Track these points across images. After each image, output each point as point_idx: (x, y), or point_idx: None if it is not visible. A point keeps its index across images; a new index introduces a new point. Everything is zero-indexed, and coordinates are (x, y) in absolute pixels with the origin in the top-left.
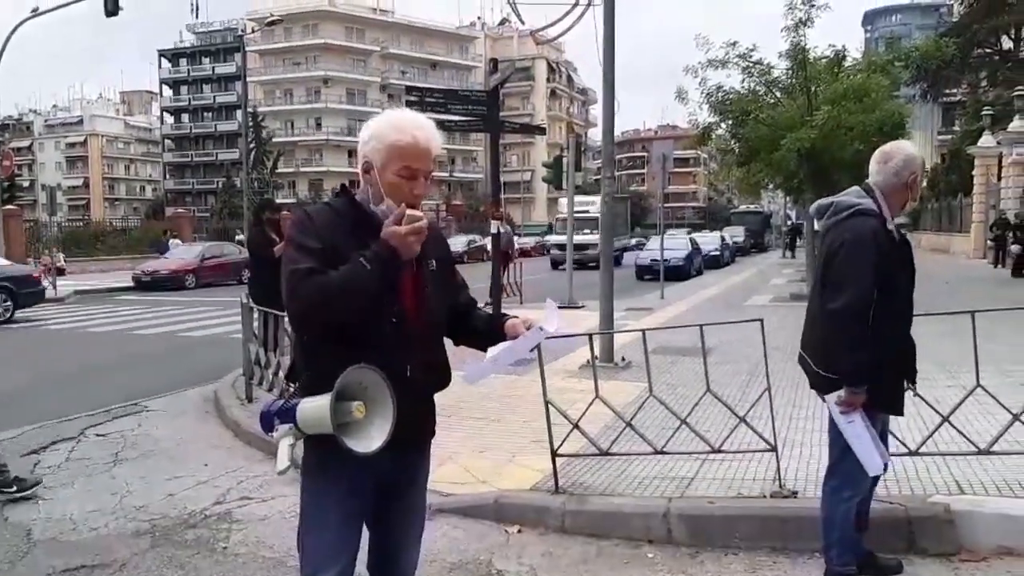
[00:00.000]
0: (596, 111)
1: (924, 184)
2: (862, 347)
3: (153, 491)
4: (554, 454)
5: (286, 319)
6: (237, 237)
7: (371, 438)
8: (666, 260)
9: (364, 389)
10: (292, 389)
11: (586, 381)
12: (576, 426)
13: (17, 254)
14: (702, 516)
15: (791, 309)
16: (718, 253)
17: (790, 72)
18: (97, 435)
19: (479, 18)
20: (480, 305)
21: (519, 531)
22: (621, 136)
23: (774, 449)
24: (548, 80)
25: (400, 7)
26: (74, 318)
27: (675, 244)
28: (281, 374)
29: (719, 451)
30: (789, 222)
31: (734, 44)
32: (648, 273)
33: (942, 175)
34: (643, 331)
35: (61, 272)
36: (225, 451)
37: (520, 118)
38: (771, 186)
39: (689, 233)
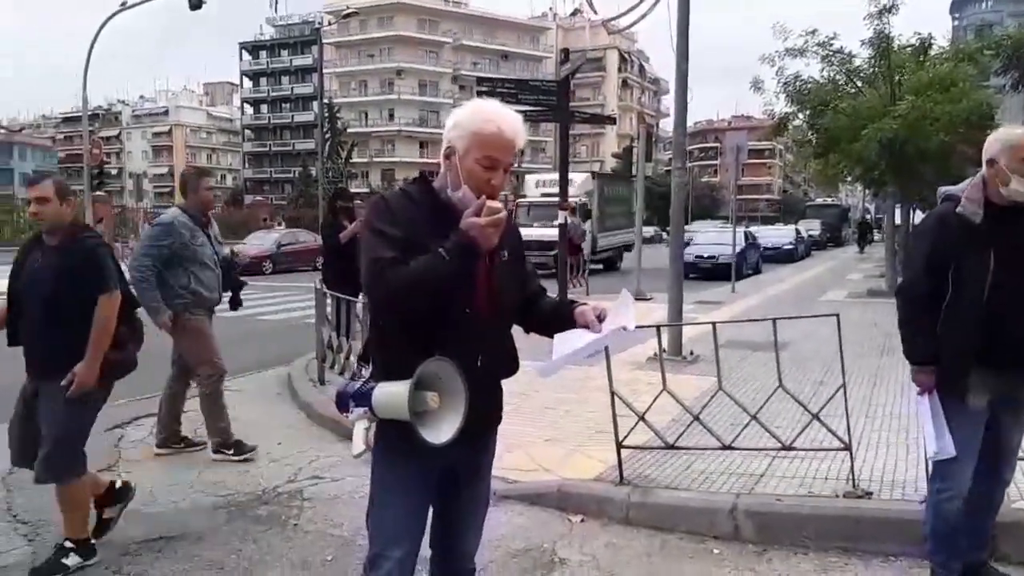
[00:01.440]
0: (668, 101)
1: None
2: (916, 328)
3: (229, 468)
4: (619, 445)
5: (358, 305)
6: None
7: (441, 430)
8: (712, 257)
9: (440, 380)
10: (363, 370)
11: (653, 373)
12: (642, 418)
13: (107, 238)
14: (770, 513)
15: (867, 305)
16: (792, 247)
17: (872, 61)
18: None
19: (551, 9)
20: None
21: (582, 521)
22: (693, 127)
23: (848, 448)
24: (620, 70)
25: None
26: None
27: (724, 239)
28: (352, 358)
29: (790, 448)
30: (867, 216)
31: (813, 32)
32: (694, 272)
33: None
34: (713, 324)
35: None
36: (297, 431)
37: (591, 108)
38: (849, 178)
39: (726, 224)
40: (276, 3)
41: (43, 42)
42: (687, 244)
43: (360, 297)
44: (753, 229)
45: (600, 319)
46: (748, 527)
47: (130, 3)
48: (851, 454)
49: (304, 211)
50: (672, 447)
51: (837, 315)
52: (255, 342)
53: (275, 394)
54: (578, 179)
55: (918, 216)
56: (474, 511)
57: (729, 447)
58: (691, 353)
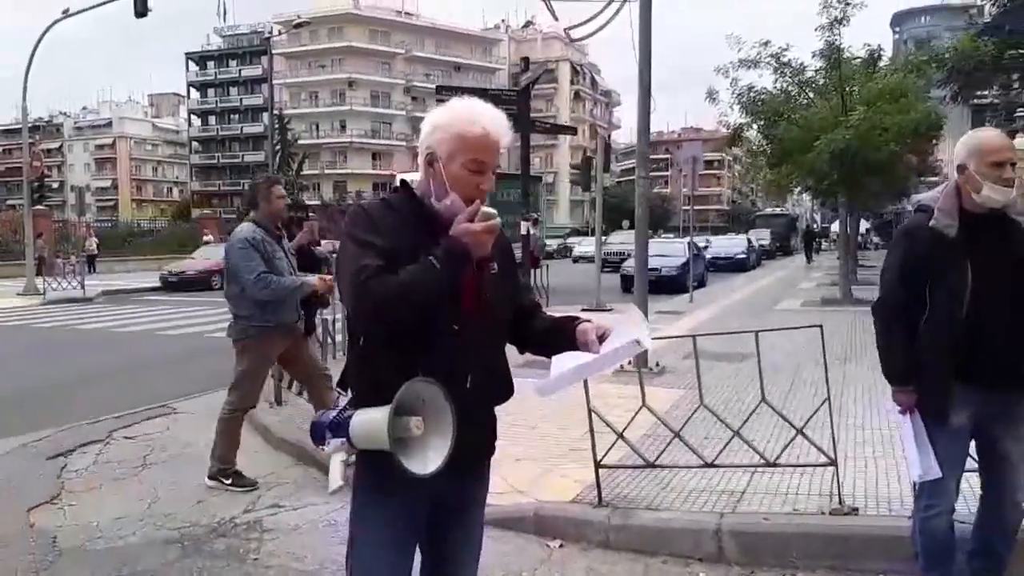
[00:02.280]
0: (619, 113)
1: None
2: (893, 346)
3: (182, 497)
4: (598, 465)
5: (315, 321)
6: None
7: (427, 458)
8: (655, 269)
9: (423, 404)
10: (340, 398)
11: (623, 387)
12: (621, 436)
13: (47, 254)
14: (756, 533)
15: (824, 314)
16: (745, 256)
17: (824, 72)
18: (125, 437)
19: (503, 20)
20: None
21: (561, 546)
22: None
23: (834, 463)
24: (572, 82)
25: (424, 10)
26: (102, 318)
27: (668, 250)
28: None
29: (774, 464)
30: (813, 225)
31: (766, 44)
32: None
33: None
34: (693, 337)
35: (93, 259)
36: (254, 456)
37: (544, 120)
38: (798, 189)
39: (660, 234)
40: (224, 13)
41: None
42: (627, 257)
43: (318, 313)
44: (707, 239)
45: (601, 339)
46: (733, 548)
47: (73, 10)
48: (836, 469)
49: None
50: (652, 465)
51: (820, 326)
52: (205, 360)
53: None
54: None
55: (863, 225)
56: (467, 549)
57: (711, 464)
58: (657, 364)
